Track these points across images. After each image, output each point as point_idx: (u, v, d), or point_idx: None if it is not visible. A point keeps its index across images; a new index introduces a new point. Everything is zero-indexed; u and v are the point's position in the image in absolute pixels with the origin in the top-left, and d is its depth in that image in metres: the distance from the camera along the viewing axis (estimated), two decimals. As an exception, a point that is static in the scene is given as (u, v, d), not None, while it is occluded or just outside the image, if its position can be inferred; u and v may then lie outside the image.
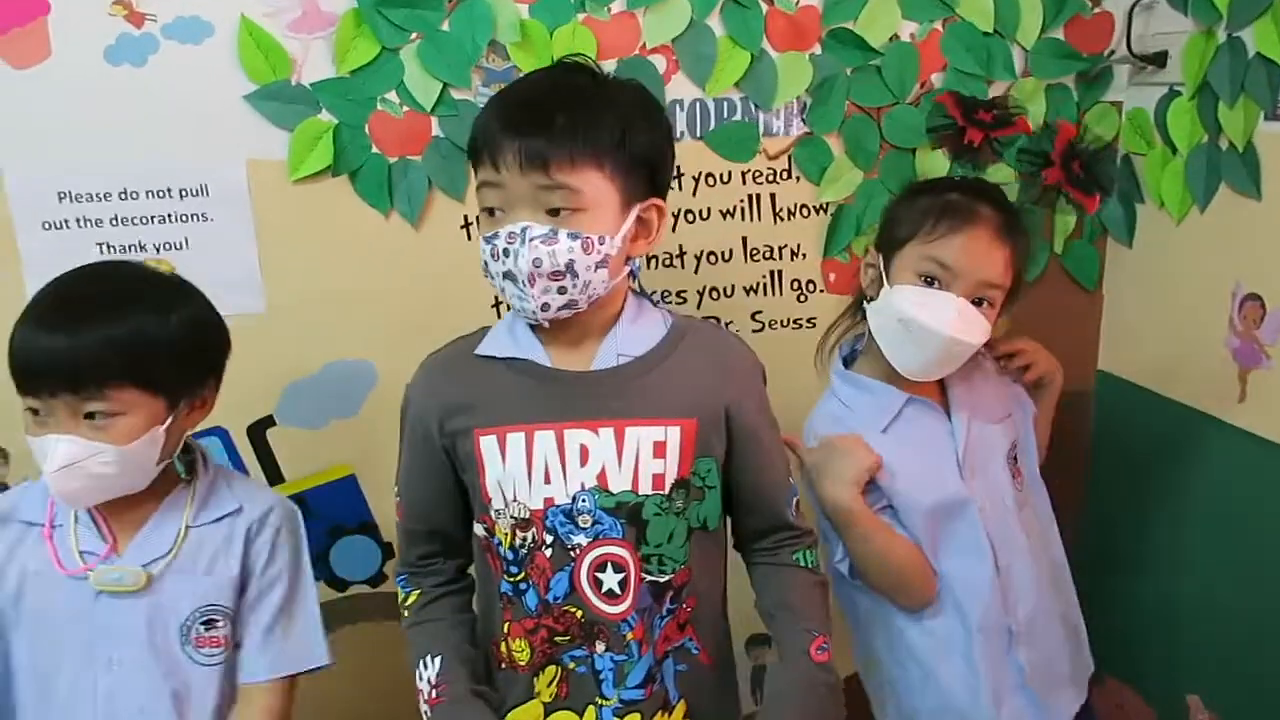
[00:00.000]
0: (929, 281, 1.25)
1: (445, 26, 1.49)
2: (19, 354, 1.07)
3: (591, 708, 1.12)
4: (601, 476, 1.08)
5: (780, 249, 1.69)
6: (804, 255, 1.69)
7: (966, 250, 1.24)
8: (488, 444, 1.09)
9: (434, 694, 1.12)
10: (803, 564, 1.20)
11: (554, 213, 1.03)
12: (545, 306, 1.05)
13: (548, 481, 1.08)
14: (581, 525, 1.08)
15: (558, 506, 1.08)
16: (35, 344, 1.06)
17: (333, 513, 1.67)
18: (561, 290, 1.04)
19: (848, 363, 1.40)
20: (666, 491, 1.09)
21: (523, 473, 1.08)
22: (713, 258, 1.67)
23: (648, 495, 1.09)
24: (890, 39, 1.61)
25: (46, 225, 1.48)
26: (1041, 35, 1.65)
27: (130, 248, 1.50)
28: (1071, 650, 1.37)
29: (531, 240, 1.01)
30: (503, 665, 1.15)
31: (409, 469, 1.18)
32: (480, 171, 1.06)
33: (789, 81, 1.60)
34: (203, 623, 1.16)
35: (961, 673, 1.28)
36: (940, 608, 1.30)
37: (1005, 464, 1.35)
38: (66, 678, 1.14)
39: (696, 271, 1.67)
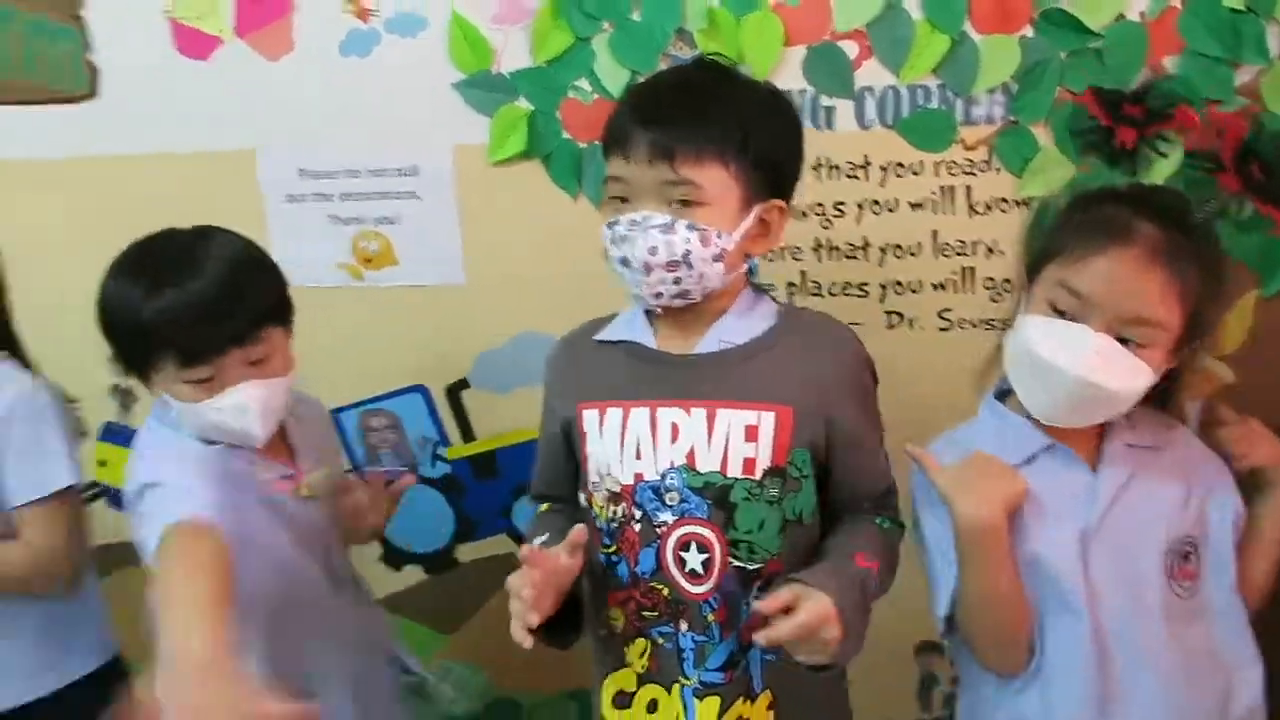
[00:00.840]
0: (1061, 313, 1.07)
1: (635, 15, 1.53)
2: (181, 332, 1.11)
3: (677, 685, 1.14)
4: (690, 455, 1.10)
5: (974, 244, 1.59)
6: (1001, 252, 1.58)
7: (1107, 276, 1.04)
8: (589, 418, 1.15)
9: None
10: (879, 522, 1.17)
11: (676, 205, 1.05)
12: (659, 295, 1.08)
13: (639, 457, 1.11)
14: (668, 503, 1.10)
15: (646, 482, 1.11)
16: (197, 317, 1.11)
17: (516, 473, 1.79)
18: (676, 281, 1.07)
19: (1004, 395, 1.21)
20: (758, 477, 1.10)
21: (615, 447, 1.13)
22: (899, 251, 1.61)
23: (737, 479, 1.10)
24: (1116, 18, 1.46)
25: (289, 198, 1.69)
26: (1310, 10, 1.42)
27: (352, 220, 1.68)
28: None
29: (650, 229, 1.05)
30: (603, 632, 1.20)
31: (541, 438, 1.28)
32: (611, 163, 1.10)
33: (993, 66, 1.49)
34: None
35: None
36: (1027, 691, 1.13)
37: (1161, 556, 1.10)
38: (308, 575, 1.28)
39: (881, 264, 1.62)
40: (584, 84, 1.57)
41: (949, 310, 1.62)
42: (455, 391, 1.77)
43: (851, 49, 1.52)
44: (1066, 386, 1.06)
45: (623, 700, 1.18)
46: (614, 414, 1.13)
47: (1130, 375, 1.05)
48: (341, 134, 1.64)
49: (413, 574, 1.87)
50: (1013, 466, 1.12)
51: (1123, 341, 1.05)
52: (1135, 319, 1.04)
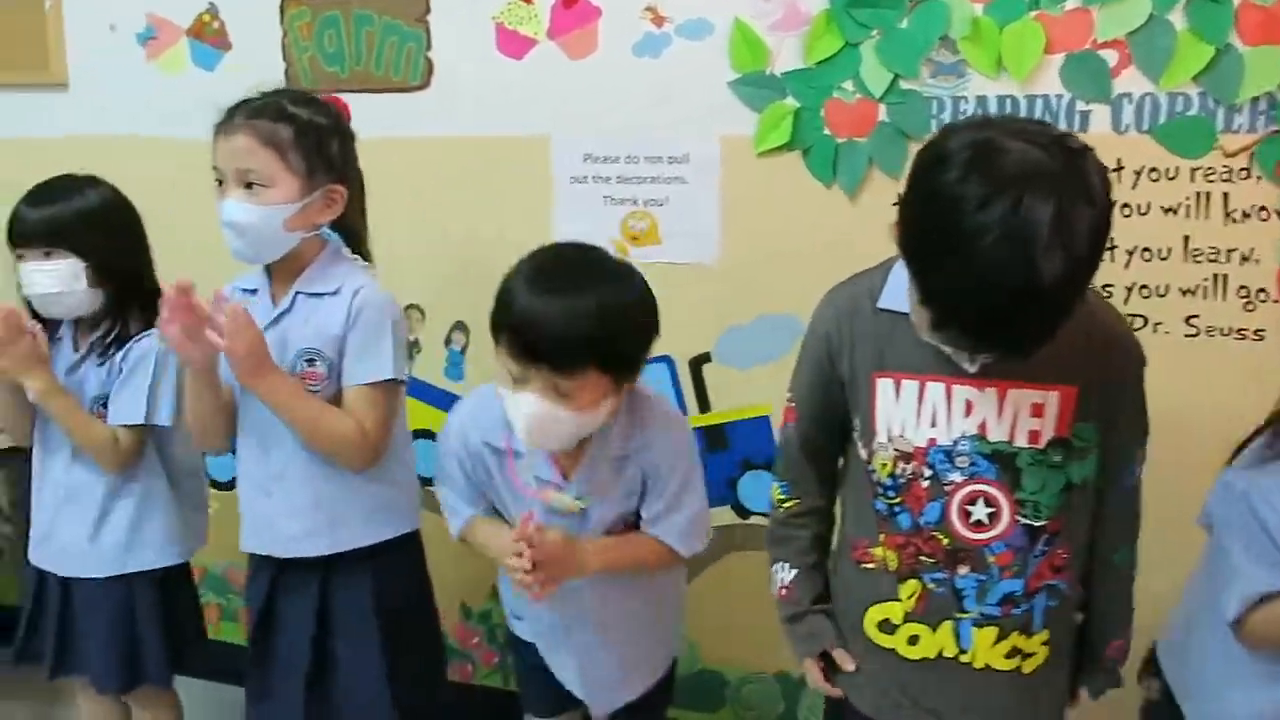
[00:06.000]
0: None
1: (904, 24, 1.68)
2: (521, 329, 1.28)
3: (948, 623, 1.24)
4: (982, 427, 1.20)
5: (1229, 252, 1.60)
6: (1257, 260, 1.58)
7: None
8: (884, 386, 1.24)
9: (783, 592, 1.39)
10: (1117, 561, 1.30)
11: None
12: None
13: (933, 425, 1.21)
14: (959, 465, 1.21)
15: (939, 447, 1.21)
16: (535, 328, 1.26)
17: (745, 447, 1.91)
18: None
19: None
20: (1042, 447, 1.19)
21: (912, 415, 1.22)
22: (1147, 254, 1.64)
23: (1022, 447, 1.19)
24: (1397, 30, 1.47)
25: (573, 180, 1.92)
26: None
27: (626, 200, 1.90)
28: None
29: None
30: (871, 566, 1.30)
31: (806, 382, 1.34)
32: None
33: (1258, 76, 1.53)
34: (623, 524, 1.46)
35: None
36: None
37: None
38: None
39: (1127, 267, 1.65)
40: (848, 85, 1.73)
41: (1196, 317, 1.63)
42: (698, 364, 1.92)
43: (1111, 57, 1.60)
44: None
45: (887, 628, 1.28)
46: (910, 385, 1.22)
47: None
48: (625, 124, 1.87)
49: (638, 536, 2.00)
50: None
51: None
52: None
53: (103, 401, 1.69)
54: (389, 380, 1.53)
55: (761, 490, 1.92)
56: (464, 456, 1.48)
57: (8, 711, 2.30)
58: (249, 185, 1.47)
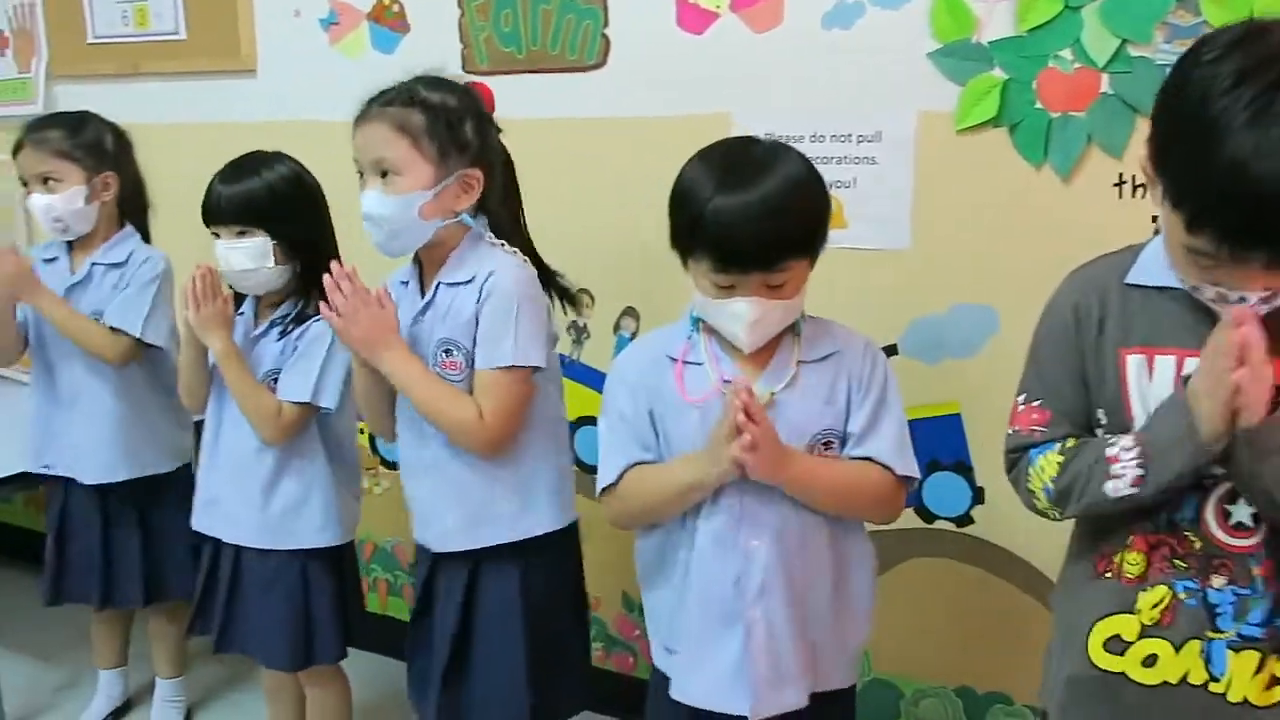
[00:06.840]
0: None
1: (1134, -17, 1.51)
2: (722, 241, 1.22)
3: (1195, 642, 1.08)
4: None
5: None
6: None
7: None
8: (1134, 363, 1.10)
9: (1138, 474, 1.07)
10: None
11: None
12: None
13: None
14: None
15: None
16: (736, 237, 1.22)
17: (932, 447, 1.77)
18: None
19: None
20: None
21: (1167, 394, 1.07)
22: None
23: None
24: None
25: (753, 160, 1.82)
26: None
27: (810, 182, 1.78)
28: None
29: None
30: (1106, 574, 1.15)
31: (1054, 368, 1.18)
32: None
33: None
34: (823, 443, 1.33)
35: None
36: None
37: None
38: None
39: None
40: (1067, 53, 1.57)
41: None
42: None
43: (1389, 14, 1.38)
44: None
45: (1116, 646, 1.13)
46: (1165, 361, 1.08)
47: None
48: (812, 101, 1.76)
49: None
50: None
51: None
52: None
53: (274, 376, 1.74)
54: (512, 367, 1.47)
55: (948, 494, 1.79)
56: (635, 383, 1.38)
57: (212, 671, 2.41)
58: (384, 175, 1.46)
